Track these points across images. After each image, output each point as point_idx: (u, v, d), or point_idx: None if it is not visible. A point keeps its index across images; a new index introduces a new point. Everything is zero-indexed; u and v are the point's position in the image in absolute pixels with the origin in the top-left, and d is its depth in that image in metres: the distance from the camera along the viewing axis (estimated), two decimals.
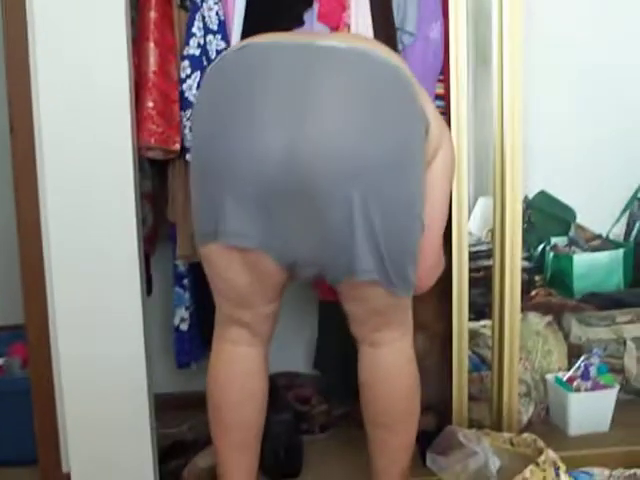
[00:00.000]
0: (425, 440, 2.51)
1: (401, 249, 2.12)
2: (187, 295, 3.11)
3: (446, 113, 2.81)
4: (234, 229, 2.06)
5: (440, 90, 2.89)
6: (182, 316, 3.12)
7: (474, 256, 2.86)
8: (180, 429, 3.21)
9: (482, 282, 2.93)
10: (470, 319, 2.81)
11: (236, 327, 2.31)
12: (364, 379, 2.35)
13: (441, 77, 2.89)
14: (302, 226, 2.04)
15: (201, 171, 2.13)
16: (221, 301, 2.30)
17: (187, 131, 2.74)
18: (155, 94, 2.67)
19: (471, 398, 2.84)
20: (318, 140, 1.95)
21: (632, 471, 2.36)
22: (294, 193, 1.99)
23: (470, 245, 2.77)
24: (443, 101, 2.84)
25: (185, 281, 3.11)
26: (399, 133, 2.04)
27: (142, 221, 2.70)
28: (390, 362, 2.31)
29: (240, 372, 2.34)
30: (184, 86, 2.73)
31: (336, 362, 3.29)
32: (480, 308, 2.99)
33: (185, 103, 2.73)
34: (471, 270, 2.75)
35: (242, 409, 2.34)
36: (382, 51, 2.09)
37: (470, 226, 2.84)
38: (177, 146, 2.72)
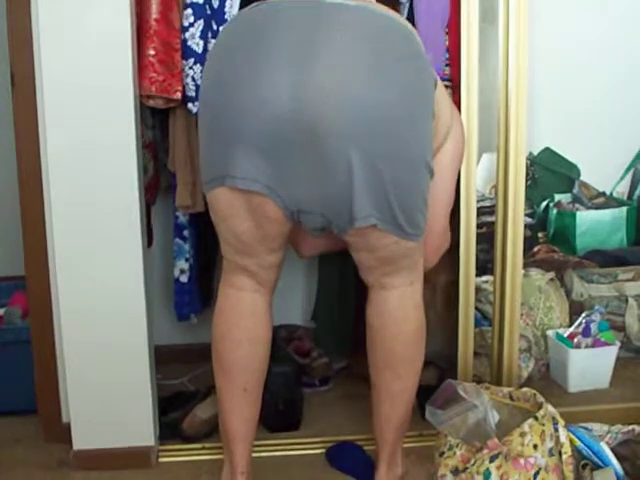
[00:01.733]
0: (425, 394, 2.50)
1: (411, 196, 2.14)
2: (187, 246, 3.10)
3: (451, 65, 2.80)
4: (241, 173, 2.07)
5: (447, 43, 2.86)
6: (182, 268, 3.11)
7: (478, 212, 2.83)
8: (181, 381, 3.22)
9: (485, 238, 2.91)
10: None
11: (241, 274, 2.32)
12: (371, 321, 2.37)
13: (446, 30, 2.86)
14: (307, 173, 2.05)
15: (211, 118, 2.13)
16: (226, 248, 2.31)
17: (189, 80, 2.71)
18: (157, 42, 2.64)
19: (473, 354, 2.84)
20: (325, 88, 1.96)
21: (630, 427, 2.35)
22: (300, 140, 2.00)
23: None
24: (449, 53, 2.82)
25: (186, 232, 3.09)
26: (407, 83, 2.04)
27: (143, 171, 2.68)
28: (398, 305, 2.32)
29: (245, 314, 2.35)
30: (186, 34, 2.70)
31: (333, 314, 3.29)
32: (482, 264, 2.97)
33: (187, 51, 2.70)
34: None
35: (245, 351, 2.35)
36: (390, 11, 2.11)
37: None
38: (178, 95, 2.70)
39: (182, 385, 3.19)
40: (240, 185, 2.09)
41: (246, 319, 2.35)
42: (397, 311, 2.33)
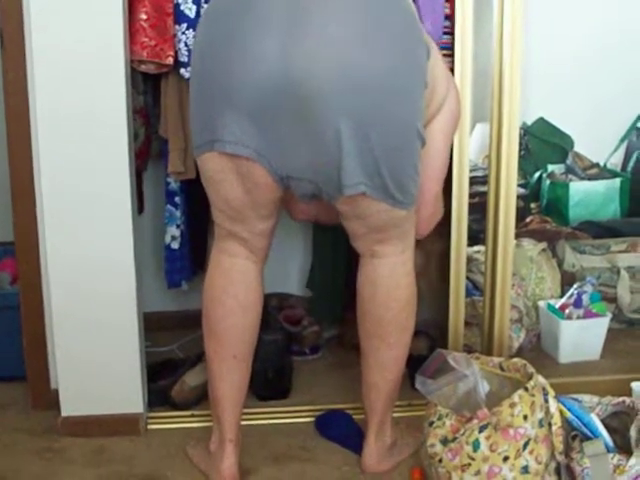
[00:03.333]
0: (415, 363, 2.50)
1: (401, 164, 2.12)
2: (179, 213, 3.08)
3: (451, 33, 2.77)
4: (230, 137, 2.05)
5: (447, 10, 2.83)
6: (173, 234, 3.10)
7: (470, 181, 2.82)
8: (170, 348, 3.22)
9: (478, 208, 2.90)
10: None
11: (233, 241, 2.31)
12: (362, 289, 2.36)
13: None
14: (297, 139, 2.03)
15: (201, 82, 2.11)
16: (217, 214, 2.30)
17: (181, 45, 2.69)
18: (148, 6, 2.61)
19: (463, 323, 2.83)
20: (314, 54, 1.94)
21: (621, 399, 2.35)
22: (290, 106, 1.98)
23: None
24: (449, 21, 2.79)
25: (177, 199, 3.08)
26: (399, 51, 2.02)
27: (134, 136, 2.66)
28: (388, 273, 2.32)
29: (236, 280, 2.33)
30: None
31: (327, 283, 3.28)
32: (475, 234, 2.96)
33: (180, 16, 2.68)
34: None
35: (235, 318, 2.34)
36: None
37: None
38: (170, 60, 2.67)
39: (171, 352, 3.18)
40: (229, 150, 2.07)
41: (237, 286, 2.34)
42: (388, 279, 2.32)
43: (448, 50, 2.79)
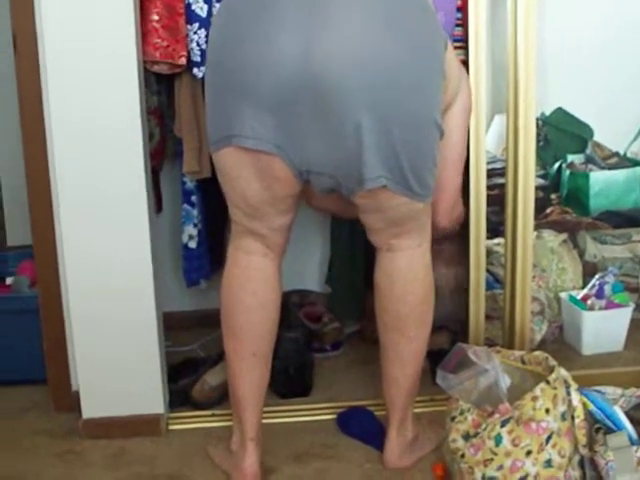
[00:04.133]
0: (436, 358, 2.48)
1: (421, 157, 2.13)
2: (196, 212, 3.08)
3: (463, 25, 2.75)
4: (249, 132, 2.05)
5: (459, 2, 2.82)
6: (190, 233, 3.10)
7: (489, 174, 2.80)
8: (190, 347, 3.21)
9: (498, 200, 2.88)
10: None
11: (250, 238, 2.30)
12: (380, 283, 2.36)
13: None
14: (317, 133, 2.03)
15: (219, 78, 2.11)
16: (235, 211, 2.29)
17: (194, 45, 2.69)
18: (160, 7, 2.61)
19: (484, 317, 2.81)
20: (334, 47, 1.94)
21: None
22: (309, 99, 1.98)
23: (486, 163, 2.72)
24: (461, 13, 2.78)
25: (194, 198, 3.08)
26: (419, 44, 2.02)
27: (149, 137, 2.65)
28: (406, 266, 2.31)
29: (254, 278, 2.33)
30: None
31: (346, 279, 3.26)
32: (494, 226, 2.94)
33: (191, 16, 2.68)
34: (486, 188, 2.71)
35: (254, 316, 2.33)
36: None
37: (486, 144, 2.79)
38: (183, 60, 2.67)
39: (192, 352, 3.18)
40: (249, 144, 2.06)
41: (255, 283, 2.33)
42: (406, 272, 2.31)
43: (460, 43, 2.78)
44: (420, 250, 2.32)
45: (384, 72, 1.96)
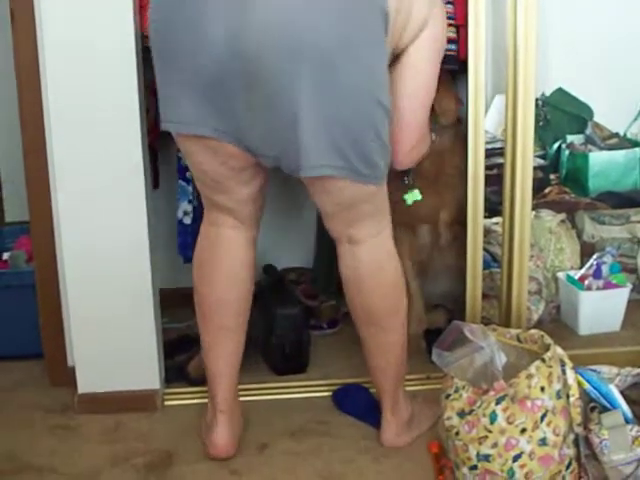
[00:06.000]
0: (433, 336, 2.49)
1: (362, 135, 2.03)
2: (191, 188, 3.08)
3: (455, 3, 2.73)
4: (186, 117, 2.03)
5: None
6: (185, 209, 3.10)
7: (488, 153, 2.80)
8: (186, 324, 3.20)
9: (497, 179, 2.87)
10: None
11: (218, 211, 2.29)
12: (346, 278, 2.32)
13: None
14: (252, 114, 1.98)
15: (157, 62, 2.08)
16: (200, 186, 2.29)
17: None
18: None
19: (481, 296, 2.81)
20: (261, 22, 1.88)
21: None
22: (243, 79, 1.93)
23: (485, 143, 2.71)
24: None
25: (188, 174, 3.06)
26: (349, 14, 1.92)
27: (145, 112, 2.64)
28: (369, 259, 2.27)
29: (222, 252, 2.32)
30: None
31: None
32: (493, 206, 2.94)
33: None
34: (485, 167, 2.70)
35: (222, 290, 2.33)
36: None
37: (486, 124, 2.78)
38: None
39: (188, 328, 3.17)
40: (185, 131, 2.06)
41: (224, 257, 2.32)
42: (370, 265, 2.27)
43: (450, 20, 2.75)
44: (381, 239, 2.28)
45: (314, 46, 1.89)
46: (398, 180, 2.92)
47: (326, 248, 3.17)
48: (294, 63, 1.90)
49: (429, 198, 2.95)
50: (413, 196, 2.88)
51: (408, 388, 2.55)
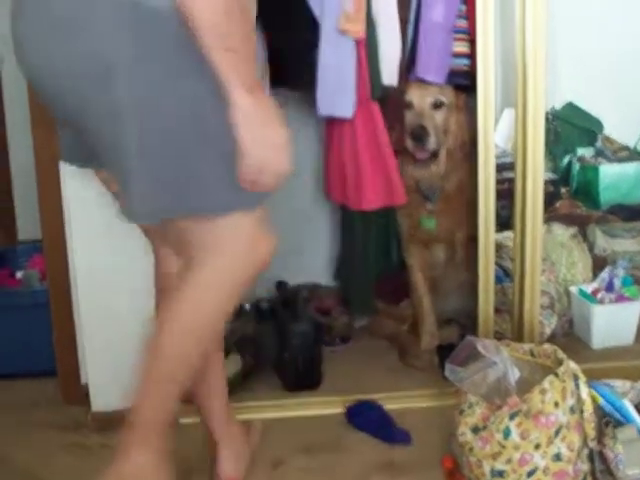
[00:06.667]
0: (446, 351, 2.48)
1: (189, 170, 1.77)
2: None
3: (469, 18, 2.74)
4: (62, 148, 2.00)
5: None
6: None
7: (499, 168, 2.80)
8: None
9: (506, 194, 2.88)
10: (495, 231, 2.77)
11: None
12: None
13: None
14: (98, 147, 1.82)
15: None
16: None
17: None
18: None
19: (494, 310, 2.81)
20: (29, 41, 1.75)
21: None
22: (70, 115, 1.82)
23: (495, 157, 2.71)
24: (464, 5, 2.77)
25: None
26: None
27: None
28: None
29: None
30: None
31: (357, 273, 3.25)
32: (504, 220, 2.94)
33: None
34: (496, 182, 2.71)
35: None
36: None
37: (495, 138, 2.79)
38: None
39: None
40: (63, 161, 2.04)
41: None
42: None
43: (465, 34, 2.78)
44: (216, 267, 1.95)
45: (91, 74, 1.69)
46: (417, 201, 2.95)
47: (361, 265, 3.20)
48: (96, 104, 1.72)
49: (445, 219, 2.97)
50: (429, 222, 2.92)
51: (421, 405, 2.55)
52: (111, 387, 2.66)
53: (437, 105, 2.88)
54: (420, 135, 2.84)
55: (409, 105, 2.88)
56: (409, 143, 2.87)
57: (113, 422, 2.64)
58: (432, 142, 2.86)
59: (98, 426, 2.66)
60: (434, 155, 2.90)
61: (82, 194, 2.53)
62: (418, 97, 2.87)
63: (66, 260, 2.73)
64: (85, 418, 2.68)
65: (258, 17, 2.55)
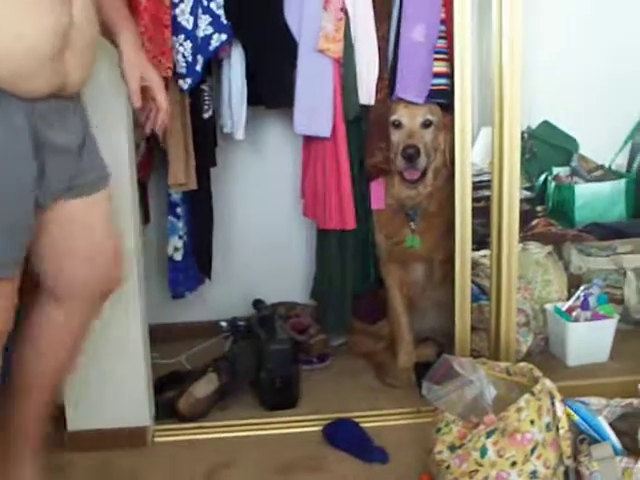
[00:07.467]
0: (422, 370, 2.49)
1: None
2: (181, 224, 3.09)
3: (448, 38, 2.76)
4: None
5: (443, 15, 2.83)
6: (175, 245, 3.11)
7: (476, 186, 2.82)
8: (176, 360, 3.21)
9: (483, 212, 2.89)
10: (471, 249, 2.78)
11: None
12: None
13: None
14: None
15: None
16: None
17: (179, 57, 2.70)
18: (146, 19, 2.61)
19: (470, 328, 2.82)
20: None
21: (629, 400, 2.34)
22: None
23: (472, 175, 2.73)
24: (445, 25, 2.79)
25: (179, 210, 3.08)
26: None
27: (135, 147, 2.65)
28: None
29: None
30: (176, 11, 2.68)
31: (333, 292, 3.25)
32: (481, 238, 2.95)
33: (177, 28, 2.68)
34: (473, 200, 2.72)
35: None
36: None
37: (472, 156, 2.80)
38: (169, 71, 2.68)
39: (178, 364, 3.17)
40: None
41: None
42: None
43: (444, 55, 2.80)
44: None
45: None
46: (401, 220, 2.96)
47: (338, 283, 3.19)
48: None
49: (428, 237, 2.98)
50: (413, 241, 2.93)
51: (399, 423, 2.56)
52: (87, 406, 2.65)
53: (426, 124, 2.90)
54: (411, 155, 2.84)
55: (398, 125, 2.90)
56: (400, 163, 2.88)
57: (89, 441, 2.64)
58: (423, 161, 2.87)
59: (74, 446, 2.64)
60: (422, 174, 2.92)
61: None
62: (408, 117, 2.89)
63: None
64: (61, 438, 2.65)
65: (236, 35, 2.58)
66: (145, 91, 2.14)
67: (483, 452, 2.11)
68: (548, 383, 2.21)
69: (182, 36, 2.69)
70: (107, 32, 2.07)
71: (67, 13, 1.79)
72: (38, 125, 1.83)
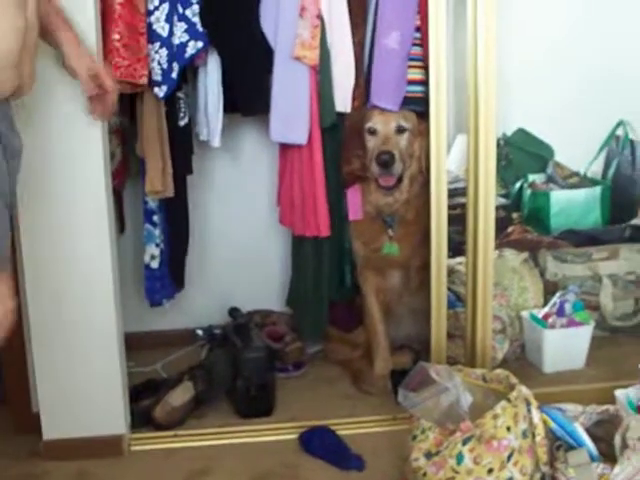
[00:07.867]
0: (399, 377, 2.49)
1: None
2: (157, 232, 3.08)
3: (423, 45, 2.77)
4: None
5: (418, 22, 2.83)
6: (152, 253, 3.09)
7: (451, 193, 2.83)
8: (152, 368, 3.19)
9: (459, 219, 2.90)
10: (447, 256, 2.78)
11: None
12: None
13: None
14: None
15: None
16: None
17: (155, 64, 2.69)
18: (121, 26, 2.60)
19: (447, 335, 2.82)
20: None
21: (605, 407, 2.35)
22: None
23: (448, 182, 2.73)
24: (420, 32, 2.80)
25: (155, 217, 3.07)
26: None
27: (110, 156, 2.64)
28: None
29: None
30: (152, 18, 2.68)
31: (309, 299, 3.25)
32: (457, 245, 2.96)
33: (153, 35, 2.68)
34: (448, 207, 2.73)
35: None
36: None
37: (448, 164, 2.81)
38: (144, 79, 2.67)
39: (154, 372, 3.16)
40: None
41: None
42: None
43: (419, 62, 2.81)
44: None
45: None
46: (379, 228, 2.96)
47: (313, 291, 3.19)
48: None
49: (405, 245, 2.98)
50: (391, 248, 2.93)
51: (375, 430, 2.56)
52: (63, 415, 2.65)
53: (400, 130, 2.90)
54: (386, 161, 2.84)
55: (373, 132, 2.90)
56: (375, 169, 2.88)
57: (65, 450, 2.63)
58: (398, 168, 2.87)
59: (50, 454, 2.62)
60: (398, 181, 2.92)
61: (33, 219, 2.52)
62: (382, 123, 2.89)
63: (17, 285, 2.70)
64: (36, 447, 2.64)
65: (212, 43, 2.58)
66: (92, 80, 2.28)
67: (459, 459, 2.11)
68: (524, 390, 2.22)
69: (158, 44, 2.68)
70: (47, 35, 2.17)
71: (23, 16, 1.84)
72: (2, 128, 1.85)
